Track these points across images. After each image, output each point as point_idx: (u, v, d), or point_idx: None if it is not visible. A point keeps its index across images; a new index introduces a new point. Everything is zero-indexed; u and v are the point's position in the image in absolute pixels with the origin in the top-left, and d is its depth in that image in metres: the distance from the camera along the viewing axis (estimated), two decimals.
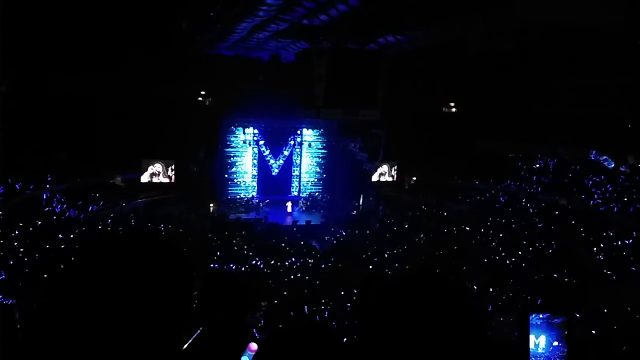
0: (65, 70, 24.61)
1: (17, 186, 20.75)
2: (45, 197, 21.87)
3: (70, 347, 0.91)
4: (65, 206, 21.97)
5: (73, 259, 1.00)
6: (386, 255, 21.63)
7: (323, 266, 19.98)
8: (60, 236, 19.01)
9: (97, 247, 1.01)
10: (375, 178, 31.99)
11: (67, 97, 24.79)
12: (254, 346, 2.06)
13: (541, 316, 1.77)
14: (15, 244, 17.07)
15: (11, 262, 15.49)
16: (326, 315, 13.67)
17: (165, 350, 0.98)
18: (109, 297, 0.94)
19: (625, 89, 25.97)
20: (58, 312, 0.94)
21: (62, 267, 0.98)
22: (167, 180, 28.48)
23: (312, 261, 20.60)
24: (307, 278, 18.19)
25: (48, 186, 22.44)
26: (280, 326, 12.36)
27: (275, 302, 14.91)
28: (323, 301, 15.09)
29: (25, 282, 13.86)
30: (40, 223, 19.70)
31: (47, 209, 21.37)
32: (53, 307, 0.94)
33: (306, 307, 14.25)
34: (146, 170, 28.02)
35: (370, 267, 19.63)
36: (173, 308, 1.01)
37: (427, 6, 15.42)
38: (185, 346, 2.12)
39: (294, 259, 20.56)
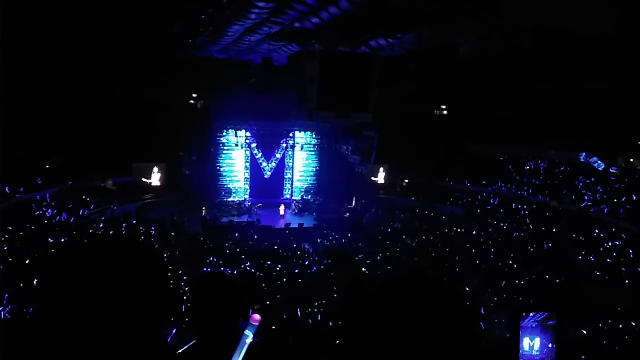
0: (57, 71, 24.47)
1: (7, 189, 20.56)
2: (36, 200, 21.69)
3: (46, 351, 0.95)
4: (56, 210, 21.80)
5: (46, 266, 1.03)
6: (378, 258, 21.67)
7: (315, 269, 19.97)
8: (50, 240, 18.86)
9: (69, 254, 1.04)
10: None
11: (58, 99, 24.64)
12: (257, 317, 2.06)
13: (536, 319, 1.79)
14: (6, 248, 16.91)
15: (1, 267, 15.34)
16: (319, 318, 13.66)
17: (143, 353, 1.02)
18: (82, 302, 0.97)
19: (615, 91, 26.21)
20: (34, 318, 0.99)
21: (38, 273, 1.02)
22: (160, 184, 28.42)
23: (305, 263, 20.59)
24: (300, 281, 18.17)
25: (39, 190, 22.26)
26: (274, 328, 12.33)
27: (268, 304, 14.89)
28: (316, 303, 15.08)
29: (15, 287, 13.73)
30: (30, 227, 19.53)
31: (38, 212, 21.19)
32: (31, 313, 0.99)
33: (299, 309, 14.24)
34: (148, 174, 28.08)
35: (364, 269, 19.65)
36: (147, 312, 1.03)
37: (418, 10, 15.49)
38: (180, 351, 2.13)
39: (286, 262, 20.54)
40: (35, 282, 13.47)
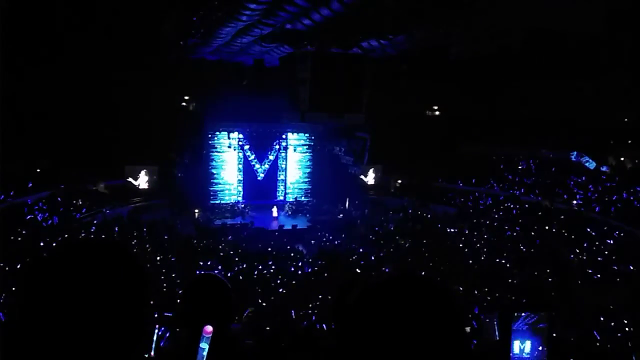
0: (47, 74, 24.28)
1: None
2: (27, 204, 21.51)
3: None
4: (47, 214, 21.63)
5: (26, 269, 1.02)
6: (372, 258, 21.67)
7: (309, 270, 19.94)
8: (42, 244, 18.70)
9: (44, 258, 1.03)
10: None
11: (49, 102, 24.47)
12: (208, 328, 2.07)
13: (527, 322, 1.80)
14: None
15: None
16: (313, 319, 13.64)
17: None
18: (60, 306, 0.96)
19: (605, 90, 26.41)
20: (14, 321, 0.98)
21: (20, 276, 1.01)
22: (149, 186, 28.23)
23: (299, 265, 20.55)
24: (294, 282, 18.14)
25: (29, 194, 22.09)
26: (268, 328, 12.30)
27: (263, 305, 14.85)
28: (310, 305, 15.06)
29: (6, 292, 13.60)
30: (21, 231, 19.36)
31: (29, 216, 21.02)
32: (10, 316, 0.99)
33: (292, 311, 14.21)
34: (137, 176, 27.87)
35: (357, 270, 19.64)
36: (125, 318, 1.02)
37: (408, 12, 15.54)
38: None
39: (280, 264, 20.48)
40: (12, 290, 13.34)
